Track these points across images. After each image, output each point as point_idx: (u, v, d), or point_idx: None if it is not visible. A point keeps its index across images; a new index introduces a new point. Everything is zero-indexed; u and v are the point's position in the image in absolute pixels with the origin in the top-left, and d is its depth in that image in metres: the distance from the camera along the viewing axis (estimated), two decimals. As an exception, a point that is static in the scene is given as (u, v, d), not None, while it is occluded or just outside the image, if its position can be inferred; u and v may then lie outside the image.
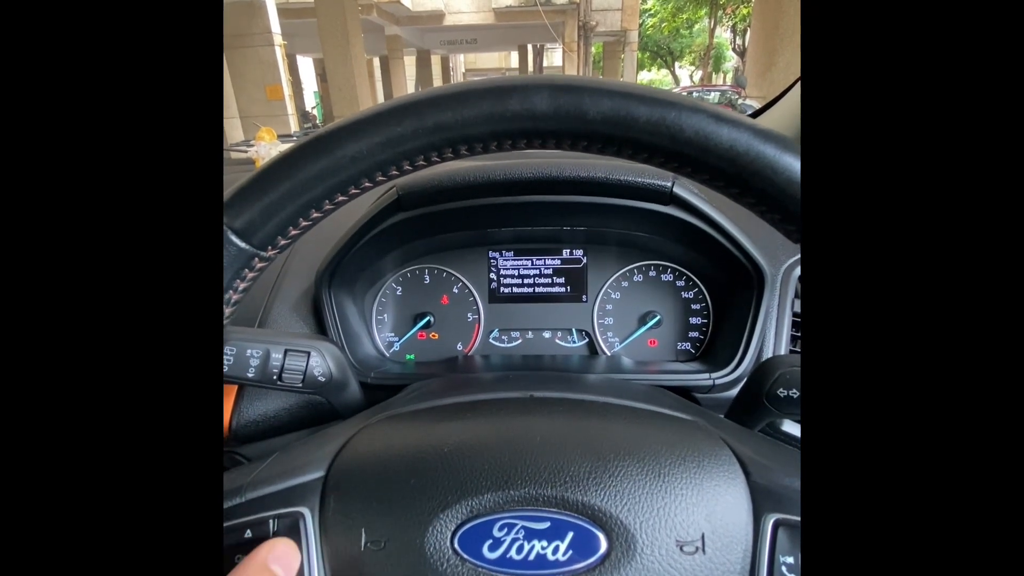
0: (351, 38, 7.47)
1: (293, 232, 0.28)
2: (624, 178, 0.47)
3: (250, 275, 0.29)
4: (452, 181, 0.48)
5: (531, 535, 0.26)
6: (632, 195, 0.49)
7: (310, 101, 14.43)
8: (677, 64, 24.96)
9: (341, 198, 0.28)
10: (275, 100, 6.60)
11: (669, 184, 0.48)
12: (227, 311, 0.29)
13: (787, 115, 0.75)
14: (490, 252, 0.65)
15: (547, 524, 0.26)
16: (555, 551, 0.26)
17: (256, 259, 0.28)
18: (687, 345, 0.63)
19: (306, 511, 0.28)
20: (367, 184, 0.27)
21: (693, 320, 0.62)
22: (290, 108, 6.67)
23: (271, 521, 0.28)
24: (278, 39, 6.44)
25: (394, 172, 0.27)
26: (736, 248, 0.51)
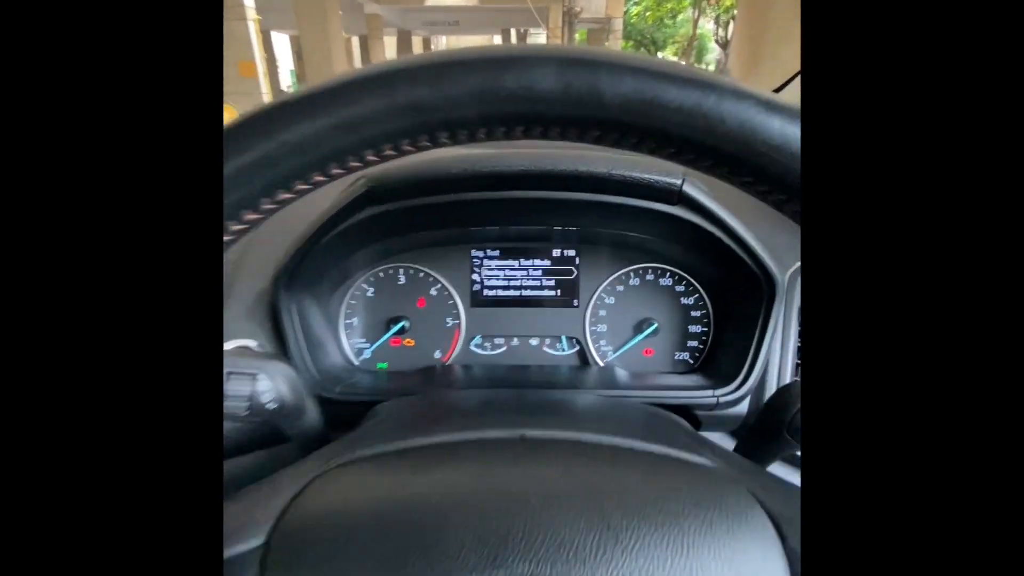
0: (328, 14, 7.20)
1: (266, 206, 0.22)
2: (629, 175, 0.42)
3: None
4: (431, 173, 0.42)
5: (525, 631, 0.21)
6: (636, 193, 0.44)
7: (287, 80, 13.95)
8: (660, 54, 24.97)
9: (284, 195, 0.21)
10: (248, 77, 6.32)
11: (679, 182, 0.42)
12: None
13: None
14: (473, 251, 0.59)
15: (546, 616, 0.21)
16: (556, 652, 0.20)
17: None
18: (685, 355, 0.58)
19: None
20: (318, 178, 0.21)
21: (692, 328, 0.58)
22: (264, 86, 6.40)
23: None
24: (251, 13, 6.15)
25: (355, 163, 0.21)
26: (746, 252, 0.46)
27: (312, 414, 0.39)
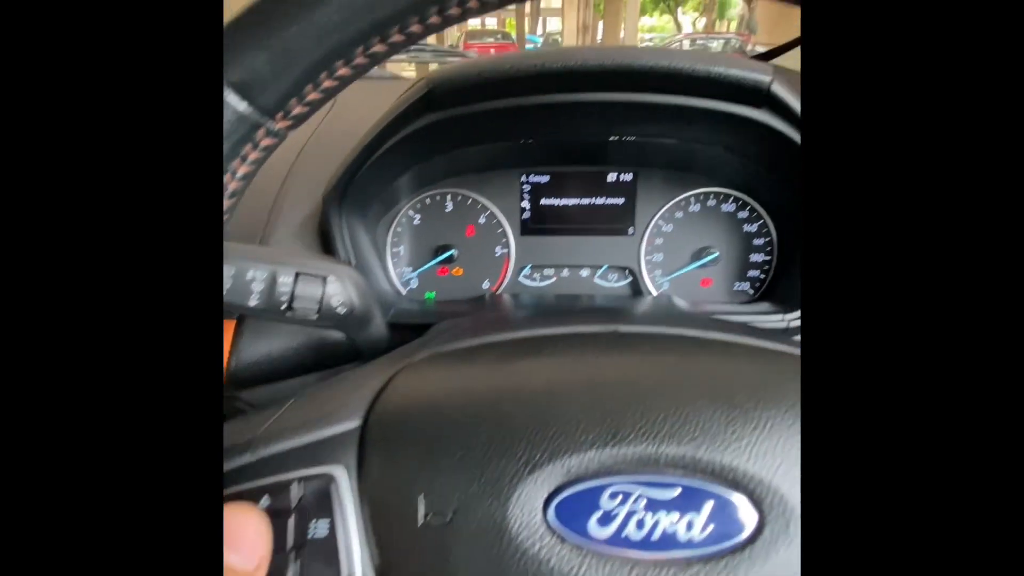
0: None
1: (312, 95, 0.20)
2: (715, 70, 0.38)
3: (253, 155, 0.20)
4: (498, 70, 0.39)
5: (655, 506, 0.19)
6: (717, 93, 0.40)
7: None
8: (680, 10, 23.88)
9: (379, 47, 0.19)
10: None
11: (768, 79, 0.39)
12: (225, 204, 0.20)
13: None
14: (523, 176, 0.56)
15: (676, 492, 0.19)
16: (689, 527, 0.19)
17: (262, 131, 0.20)
18: (745, 286, 0.56)
19: (339, 471, 0.21)
20: (415, 27, 0.19)
21: (754, 257, 0.55)
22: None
23: (294, 485, 0.21)
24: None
25: (454, 9, 0.19)
26: None
27: (379, 322, 0.38)
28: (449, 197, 0.57)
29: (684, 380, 0.23)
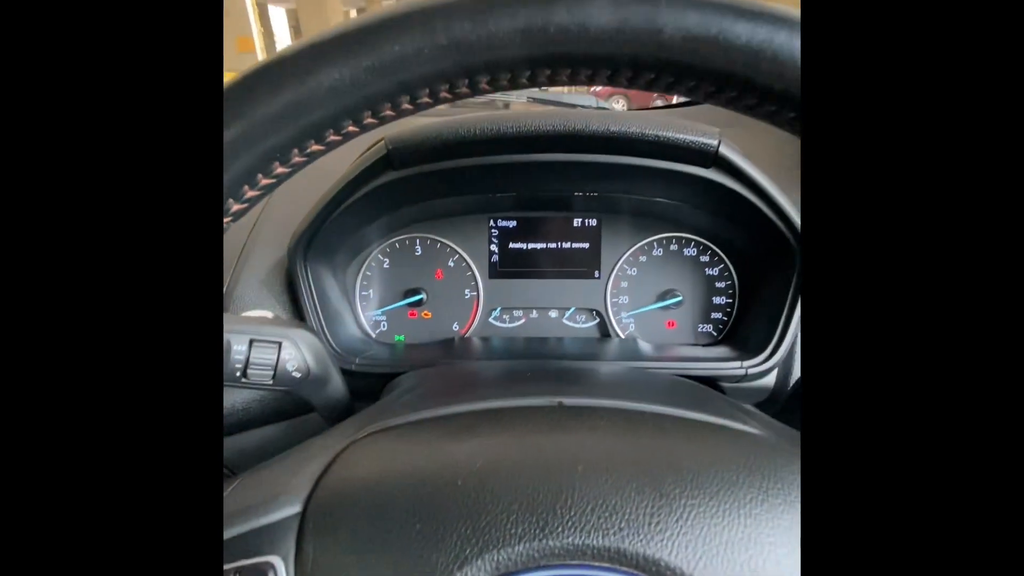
0: (326, -13, 7.02)
1: (250, 193, 0.20)
2: (664, 135, 0.40)
3: None
4: (453, 135, 0.40)
5: (579, 601, 0.20)
6: (669, 156, 0.42)
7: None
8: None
9: (315, 147, 0.20)
10: (245, 52, 6.19)
11: (715, 143, 0.40)
12: None
13: None
14: (491, 220, 0.57)
15: (600, 586, 0.20)
16: (611, 622, 0.19)
17: None
18: (708, 327, 0.57)
19: (277, 562, 0.22)
20: (351, 129, 0.20)
21: (716, 300, 0.56)
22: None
23: None
24: (247, -15, 5.98)
25: (388, 112, 0.19)
26: (779, 217, 0.44)
27: (337, 383, 0.38)
28: (418, 241, 0.57)
29: (617, 465, 0.23)
